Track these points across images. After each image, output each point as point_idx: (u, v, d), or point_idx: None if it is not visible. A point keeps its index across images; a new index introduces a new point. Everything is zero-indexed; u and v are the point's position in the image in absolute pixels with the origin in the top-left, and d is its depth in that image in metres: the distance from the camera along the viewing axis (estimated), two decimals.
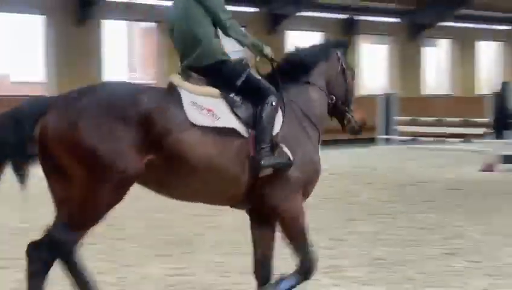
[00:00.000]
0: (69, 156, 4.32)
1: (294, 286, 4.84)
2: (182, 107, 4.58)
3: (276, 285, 4.81)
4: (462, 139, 19.51)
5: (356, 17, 25.06)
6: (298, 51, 5.18)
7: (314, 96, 5.08)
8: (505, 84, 16.12)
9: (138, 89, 4.60)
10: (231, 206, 4.92)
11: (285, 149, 4.74)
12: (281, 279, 4.83)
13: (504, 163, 15.23)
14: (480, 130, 18.69)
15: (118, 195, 4.42)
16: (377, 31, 26.31)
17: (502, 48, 30.30)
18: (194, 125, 4.55)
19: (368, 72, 26.06)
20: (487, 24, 29.44)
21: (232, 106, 4.71)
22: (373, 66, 26.44)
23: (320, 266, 5.13)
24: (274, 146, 4.70)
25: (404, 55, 26.55)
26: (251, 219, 4.96)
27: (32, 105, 4.50)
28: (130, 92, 4.53)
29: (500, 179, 13.82)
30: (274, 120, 4.74)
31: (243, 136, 4.68)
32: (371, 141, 21.37)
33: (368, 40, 26.45)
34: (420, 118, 20.42)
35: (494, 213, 9.91)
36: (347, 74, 5.29)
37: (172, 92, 4.68)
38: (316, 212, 8.78)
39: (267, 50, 4.94)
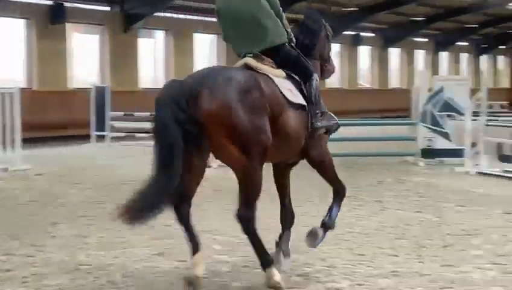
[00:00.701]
0: (224, 132, 5.40)
1: (339, 210, 6.72)
2: (279, 89, 5.97)
3: (327, 217, 6.65)
4: None
5: (65, 4, 24.65)
6: (305, 29, 6.70)
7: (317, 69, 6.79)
8: None
9: (253, 74, 5.81)
10: (289, 160, 6.50)
11: (331, 114, 6.52)
12: (329, 210, 6.68)
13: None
14: None
15: (262, 165, 5.70)
16: (88, 19, 26.12)
17: (217, 40, 31.70)
18: (289, 103, 6.00)
19: (79, 64, 25.77)
20: (203, 16, 30.63)
21: (295, 84, 6.26)
22: (84, 57, 26.19)
23: (18, 275, 5.01)
24: (324, 112, 6.41)
25: (118, 46, 26.65)
26: (276, 174, 6.71)
27: (182, 87, 5.40)
28: (253, 78, 5.73)
29: (217, 175, 14.44)
30: (320, 92, 6.42)
31: (305, 108, 6.23)
32: (85, 138, 21.23)
33: (78, 29, 26.15)
34: (136, 113, 20.64)
35: (203, 211, 10.32)
36: (330, 39, 7.06)
37: (264, 76, 5.95)
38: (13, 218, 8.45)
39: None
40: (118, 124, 21.17)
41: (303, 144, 6.28)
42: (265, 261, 5.89)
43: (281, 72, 6.20)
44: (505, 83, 55.06)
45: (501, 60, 55.11)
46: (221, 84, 5.45)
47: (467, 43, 49.25)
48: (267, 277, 5.89)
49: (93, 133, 21.16)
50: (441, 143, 16.16)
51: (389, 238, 8.41)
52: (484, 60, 52.68)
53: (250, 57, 6.13)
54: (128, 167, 15.83)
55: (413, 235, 8.50)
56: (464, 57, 50.29)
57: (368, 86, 42.11)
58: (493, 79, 53.47)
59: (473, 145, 15.07)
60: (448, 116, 16.30)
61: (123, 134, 20.74)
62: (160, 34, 29.39)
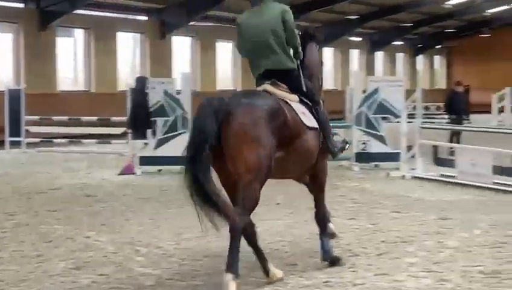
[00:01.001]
0: (245, 147, 6.46)
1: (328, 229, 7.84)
2: (296, 113, 7.02)
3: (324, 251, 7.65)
4: (100, 140, 19.86)
5: None
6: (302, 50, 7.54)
7: None
8: (140, 80, 16.71)
9: (276, 100, 6.91)
10: (303, 175, 7.61)
11: (339, 135, 7.59)
12: (321, 240, 7.69)
13: (143, 165, 15.85)
14: (119, 130, 19.18)
15: (263, 184, 6.66)
16: (1, 17, 25.63)
17: (141, 39, 31.49)
18: (305, 125, 7.05)
19: None
20: (127, 14, 30.43)
21: (307, 108, 7.30)
22: None
23: None
24: (333, 134, 7.68)
25: (34, 45, 26.19)
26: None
27: (219, 101, 6.56)
28: (277, 104, 6.83)
29: (141, 183, 14.35)
30: (327, 115, 7.62)
31: (317, 130, 7.28)
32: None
33: None
34: (53, 117, 20.35)
35: (126, 221, 10.23)
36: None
37: (283, 101, 7.01)
38: None
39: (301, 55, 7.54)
40: (34, 129, 20.83)
41: (314, 162, 7.38)
42: (231, 267, 6.33)
43: (295, 97, 7.26)
44: (441, 84, 56.24)
45: (437, 60, 56.32)
46: (252, 107, 6.62)
47: (402, 43, 50.16)
48: (224, 281, 6.35)
49: (7, 139, 20.76)
50: (376, 147, 16.40)
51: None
52: (420, 60, 53.76)
53: (269, 84, 7.17)
54: (44, 174, 15.59)
55: (346, 243, 8.59)
56: (400, 56, 51.20)
57: None
58: (429, 80, 54.61)
59: (409, 148, 15.34)
60: (383, 118, 16.56)
61: (40, 139, 20.41)
62: (80, 33, 29.02)
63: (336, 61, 44.19)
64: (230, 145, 6.50)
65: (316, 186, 7.75)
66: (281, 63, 7.24)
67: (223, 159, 6.56)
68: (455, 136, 19.39)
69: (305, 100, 7.35)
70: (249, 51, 7.34)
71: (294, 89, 7.29)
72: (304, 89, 7.36)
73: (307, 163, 7.27)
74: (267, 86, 7.16)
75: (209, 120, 6.45)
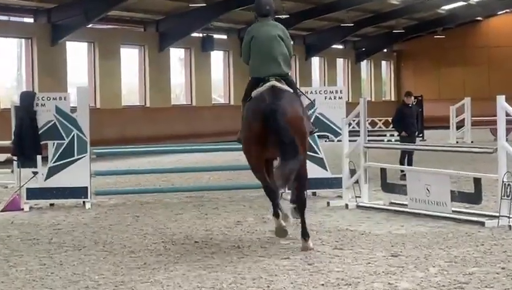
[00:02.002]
0: (297, 132, 10.77)
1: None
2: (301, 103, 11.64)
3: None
4: None
5: None
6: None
7: None
8: (26, 95, 16.50)
9: (296, 95, 11.54)
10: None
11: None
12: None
13: (31, 199, 15.62)
14: (1, 157, 18.85)
15: None
16: None
17: (26, 45, 31.16)
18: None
19: None
20: (7, 15, 30.09)
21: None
22: None
23: None
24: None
25: None
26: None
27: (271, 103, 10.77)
28: (299, 99, 11.60)
29: (29, 221, 14.14)
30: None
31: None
32: None
33: None
34: None
35: (10, 268, 10.09)
36: None
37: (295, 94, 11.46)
38: None
39: None
40: None
41: None
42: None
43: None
44: (389, 95, 57.00)
45: (384, 66, 57.12)
46: (292, 102, 11.07)
47: (342, 46, 50.78)
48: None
49: None
50: (312, 171, 16.47)
51: None
52: (364, 66, 54.46)
53: (273, 80, 11.10)
54: None
55: (280, 289, 8.62)
56: (340, 62, 51.79)
57: (222, 101, 42.51)
58: (375, 90, 55.29)
59: (352, 172, 15.48)
60: (321, 137, 16.71)
61: None
62: None
63: None
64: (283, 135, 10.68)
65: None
66: (283, 69, 11.32)
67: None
68: (407, 157, 19.70)
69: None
70: (256, 57, 11.36)
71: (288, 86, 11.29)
72: (294, 88, 11.53)
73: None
74: (274, 82, 11.06)
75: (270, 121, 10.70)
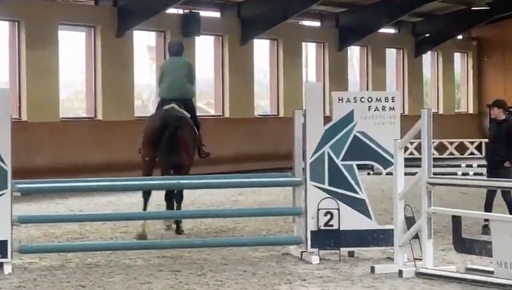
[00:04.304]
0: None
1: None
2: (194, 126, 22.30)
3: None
4: None
5: None
6: None
7: None
8: None
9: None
10: None
11: None
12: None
13: None
14: None
15: None
16: None
17: None
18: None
19: None
20: None
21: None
22: None
23: None
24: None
25: None
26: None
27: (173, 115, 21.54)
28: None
29: None
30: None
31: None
32: None
33: None
34: None
35: None
36: None
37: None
38: None
39: None
40: None
41: None
42: None
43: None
44: (465, 104, 56.78)
45: (458, 59, 57.02)
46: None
47: (393, 30, 50.73)
48: None
49: None
50: (350, 220, 16.37)
51: None
52: (427, 60, 54.27)
53: (174, 103, 20.89)
54: None
55: None
56: (391, 54, 51.65)
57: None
58: (445, 96, 55.11)
59: (409, 222, 15.39)
60: (363, 167, 16.64)
61: None
62: None
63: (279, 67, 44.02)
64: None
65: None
66: (186, 94, 21.37)
67: None
68: (503, 198, 19.47)
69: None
70: (164, 87, 21.58)
71: (188, 111, 21.03)
72: (194, 114, 21.86)
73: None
74: (174, 105, 20.55)
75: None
